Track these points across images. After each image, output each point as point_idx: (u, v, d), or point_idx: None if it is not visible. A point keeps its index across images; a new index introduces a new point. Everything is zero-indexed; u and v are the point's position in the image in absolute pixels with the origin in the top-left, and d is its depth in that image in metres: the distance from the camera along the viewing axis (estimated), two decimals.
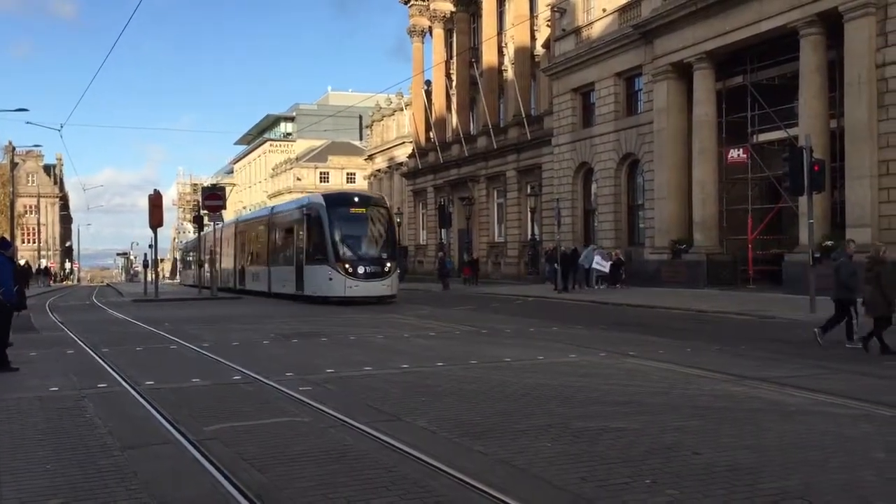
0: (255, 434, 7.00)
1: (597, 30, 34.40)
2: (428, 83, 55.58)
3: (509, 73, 44.12)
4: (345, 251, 25.11)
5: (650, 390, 8.96)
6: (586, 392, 8.87)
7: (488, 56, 46.20)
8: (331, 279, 24.91)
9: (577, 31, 35.65)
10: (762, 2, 24.75)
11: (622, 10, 32.76)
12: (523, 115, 41.19)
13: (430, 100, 54.19)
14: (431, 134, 53.24)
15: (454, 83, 50.76)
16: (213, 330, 17.27)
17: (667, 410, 7.76)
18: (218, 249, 39.22)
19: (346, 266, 24.79)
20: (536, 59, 42.42)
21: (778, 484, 5.29)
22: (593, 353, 12.19)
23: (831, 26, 22.91)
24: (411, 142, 57.68)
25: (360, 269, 24.89)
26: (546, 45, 40.27)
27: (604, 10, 34.03)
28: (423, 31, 56.14)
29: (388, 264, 25.78)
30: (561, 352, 12.52)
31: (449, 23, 52.44)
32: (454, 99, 50.43)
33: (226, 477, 5.61)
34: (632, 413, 7.62)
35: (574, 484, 5.37)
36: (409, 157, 57.53)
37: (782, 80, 25.69)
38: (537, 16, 42.13)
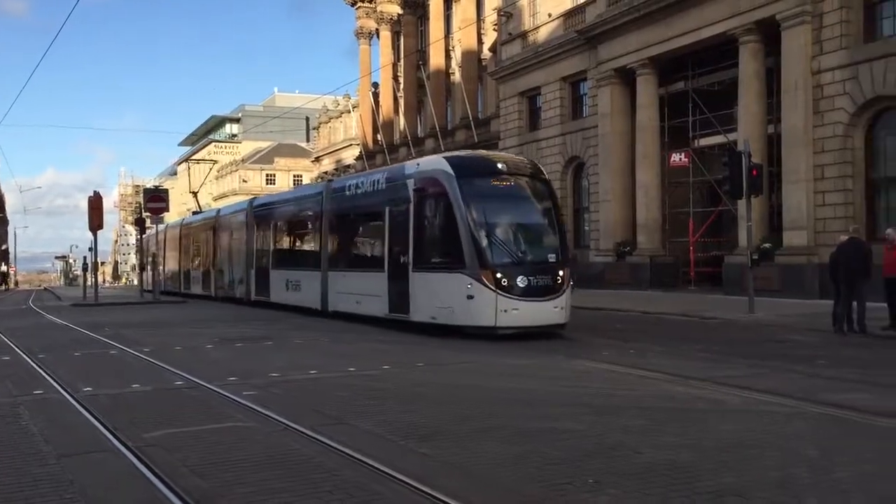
0: (197, 440, 6.88)
1: (543, 34, 34.73)
2: (375, 85, 55.45)
3: (457, 76, 44.26)
4: (495, 251, 14.55)
5: (595, 392, 9.07)
6: (533, 394, 8.94)
7: (436, 59, 46.30)
8: (470, 297, 14.32)
9: (523, 35, 35.93)
10: (703, 9, 25.28)
11: (567, 16, 33.13)
12: (470, 118, 41.36)
13: (378, 102, 54.07)
14: (379, 136, 53.11)
15: (401, 86, 50.73)
16: (156, 334, 16.94)
17: (611, 411, 7.87)
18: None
19: (498, 276, 14.16)
20: (483, 63, 42.65)
21: (715, 482, 5.40)
22: (537, 356, 12.26)
23: (769, 34, 23.50)
24: (359, 144, 57.46)
25: (521, 281, 14.29)
26: (493, 48, 40.50)
27: (549, 15, 34.37)
28: (370, 33, 56.01)
29: (560, 272, 14.87)
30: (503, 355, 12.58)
31: (396, 25, 52.41)
32: (401, 101, 50.39)
33: (165, 484, 5.51)
34: (578, 414, 7.70)
35: (519, 485, 5.40)
36: (357, 159, 57.29)
37: (722, 85, 26.26)
38: (484, 20, 42.39)
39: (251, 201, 29.16)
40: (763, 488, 5.25)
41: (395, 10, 51.59)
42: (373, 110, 54.05)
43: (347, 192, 19.58)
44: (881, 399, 8.43)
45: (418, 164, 16.61)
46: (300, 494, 5.23)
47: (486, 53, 42.46)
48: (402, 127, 50.62)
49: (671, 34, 26.58)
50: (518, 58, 35.74)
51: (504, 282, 14.12)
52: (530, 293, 14.28)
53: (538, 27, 35.14)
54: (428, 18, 47.64)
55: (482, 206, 14.79)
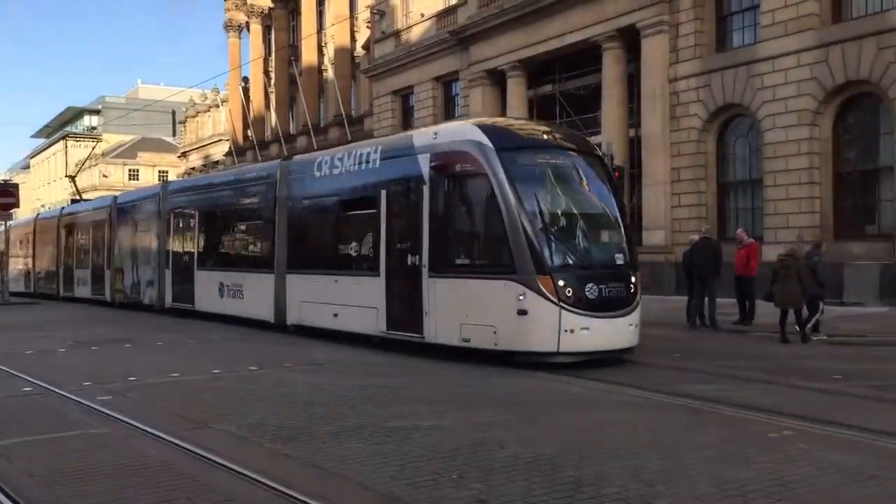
0: (45, 449, 6.50)
1: (415, 34, 34.89)
2: (246, 80, 54.12)
3: (329, 73, 43.80)
4: (555, 251, 10.85)
5: (464, 386, 9.20)
6: (401, 391, 8.96)
7: (308, 55, 45.66)
8: (522, 313, 10.51)
9: (396, 34, 35.98)
10: (569, 15, 26.07)
11: (440, 16, 33.43)
12: (343, 116, 41.02)
13: (248, 97, 52.79)
14: (249, 132, 51.83)
15: (273, 81, 49.70)
16: (2, 338, 15.87)
17: (479, 406, 7.99)
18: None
19: (561, 284, 10.51)
20: (357, 60, 42.41)
21: (574, 473, 5.59)
22: (398, 354, 12.19)
23: (631, 41, 24.51)
24: (228, 139, 55.91)
25: (591, 291, 10.68)
26: (366, 46, 40.35)
27: (422, 15, 34.57)
28: (240, 26, 54.61)
29: (633, 279, 11.40)
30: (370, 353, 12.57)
31: (267, 19, 51.34)
32: (273, 97, 49.38)
33: (8, 496, 5.17)
34: (446, 410, 7.78)
35: (383, 483, 5.40)
36: (226, 155, 55.70)
37: (588, 90, 27.17)
38: (357, 16, 42.15)
39: (165, 185, 24.35)
40: (618, 477, 5.47)
41: (266, 2, 50.53)
42: (243, 105, 52.69)
43: (318, 173, 14.89)
44: (727, 389, 8.95)
45: (435, 134, 12.15)
46: (156, 503, 5.03)
47: (359, 51, 42.24)
48: (273, 123, 49.58)
49: (539, 38, 27.26)
50: (391, 56, 35.76)
51: (569, 292, 10.39)
52: (602, 307, 10.61)
53: (411, 26, 35.27)
54: (300, 13, 46.90)
55: (533, 190, 10.94)
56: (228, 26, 55.08)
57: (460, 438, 6.59)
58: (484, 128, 11.59)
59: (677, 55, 23.10)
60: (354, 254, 13.60)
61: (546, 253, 10.61)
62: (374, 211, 12.90)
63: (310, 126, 43.78)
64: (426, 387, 9.32)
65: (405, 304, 12.10)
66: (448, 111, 33.81)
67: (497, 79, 30.00)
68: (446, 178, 11.57)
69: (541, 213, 10.91)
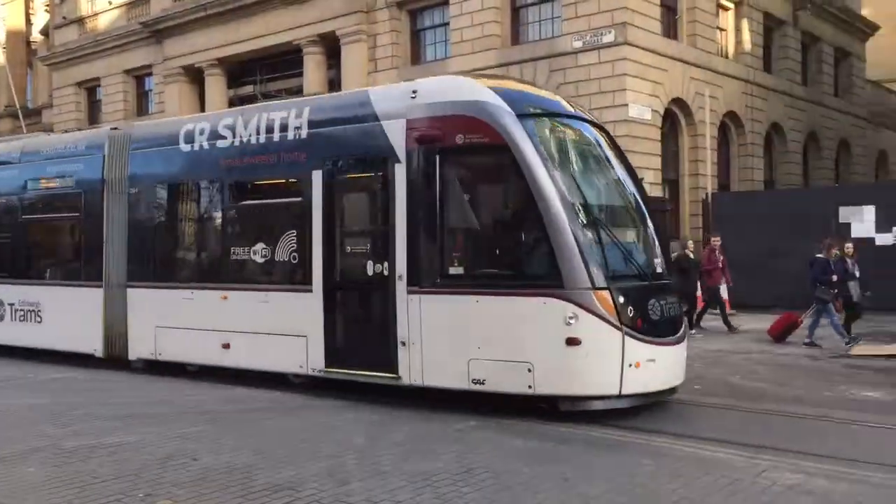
0: None
1: (103, 22, 32.44)
2: None
3: (1, 59, 39.25)
4: (609, 255, 7.79)
5: (153, 400, 8.73)
6: (84, 408, 8.27)
7: None
8: (573, 343, 7.36)
9: (80, 20, 33.17)
10: (270, 17, 25.83)
11: (130, 5, 31.39)
12: (18, 107, 36.91)
13: None
14: None
15: None
16: None
17: (170, 420, 7.63)
18: None
19: (622, 301, 7.52)
20: (34, 46, 38.43)
21: (270, 478, 5.55)
22: (82, 370, 11.08)
23: (332, 48, 24.90)
24: None
25: (653, 310, 7.87)
26: (45, 31, 36.72)
27: (110, 3, 32.26)
28: None
29: (675, 293, 8.98)
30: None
31: None
32: None
33: None
34: (132, 426, 7.33)
35: None
36: None
37: (290, 93, 27.06)
38: None
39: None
40: (315, 479, 5.55)
41: None
42: None
43: (187, 146, 10.50)
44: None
45: (414, 93, 8.54)
46: None
47: (36, 36, 38.32)
48: None
49: (240, 38, 26.68)
50: (74, 45, 32.89)
51: (630, 311, 7.57)
52: (665, 330, 7.99)
53: (97, 14, 32.74)
54: None
55: (570, 173, 8.14)
56: None
57: (150, 453, 6.25)
58: (494, 87, 8.43)
59: (376, 65, 23.89)
60: (262, 259, 9.68)
61: (600, 258, 7.60)
62: (298, 200, 9.32)
63: None
64: (108, 403, 8.70)
65: (362, 331, 8.80)
66: (141, 107, 31.94)
67: (196, 76, 28.91)
68: (437, 154, 8.15)
69: (585, 204, 7.91)
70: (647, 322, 7.66)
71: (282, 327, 9.20)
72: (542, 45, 20.92)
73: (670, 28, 21.70)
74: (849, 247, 13.48)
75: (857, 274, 13.00)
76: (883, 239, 16.81)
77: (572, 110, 8.95)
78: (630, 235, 8.53)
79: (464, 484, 5.43)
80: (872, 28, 31.29)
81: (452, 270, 8.06)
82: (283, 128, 9.47)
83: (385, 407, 8.08)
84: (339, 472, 5.73)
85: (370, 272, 8.52)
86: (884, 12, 34.15)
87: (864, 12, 31.79)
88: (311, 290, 8.93)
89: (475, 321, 7.77)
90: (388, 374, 8.27)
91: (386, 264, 8.36)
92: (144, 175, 11.03)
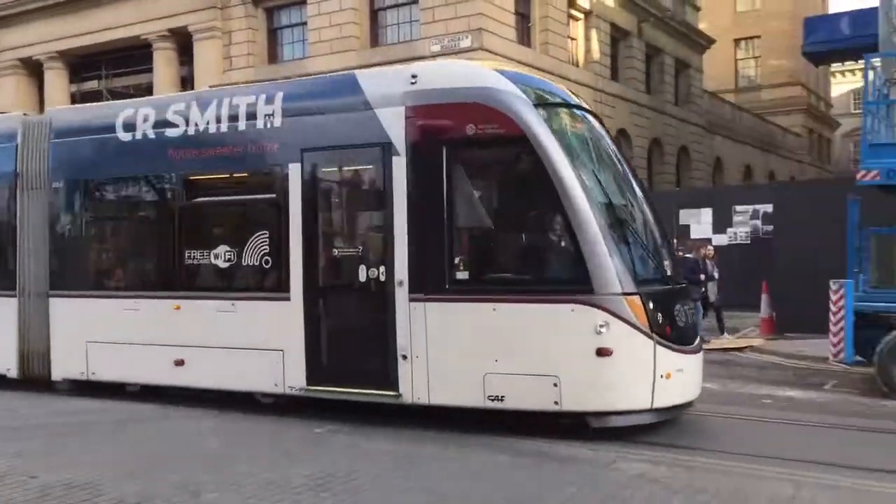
0: None
1: None
2: None
3: None
4: (637, 258, 7.38)
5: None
6: None
7: None
8: (604, 353, 6.79)
9: None
10: (116, 8, 24.68)
11: None
12: None
13: None
14: None
15: None
16: None
17: (4, 438, 7.16)
18: None
19: (652, 307, 7.00)
20: None
21: (117, 493, 5.32)
22: None
23: (184, 44, 24.07)
24: None
25: (680, 315, 7.48)
26: None
27: None
28: None
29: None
30: None
31: None
32: None
33: None
34: None
35: None
36: None
37: (139, 89, 25.91)
38: None
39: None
40: (165, 492, 5.35)
41: None
42: None
43: (126, 135, 9.07)
44: None
45: (414, 77, 7.61)
46: None
47: None
48: None
49: (83, 30, 25.39)
50: None
51: (660, 318, 7.08)
52: (689, 338, 7.60)
53: None
54: None
55: (591, 169, 7.58)
56: None
57: None
58: (506, 72, 7.73)
59: (231, 62, 23.32)
60: (226, 264, 8.46)
61: (628, 261, 7.08)
62: (270, 196, 8.29)
63: None
64: None
65: (352, 344, 7.88)
66: None
67: (35, 69, 27.30)
68: (443, 146, 7.35)
69: (609, 202, 7.38)
70: (675, 329, 7.22)
71: (251, 340, 8.04)
72: (400, 48, 21.04)
73: (524, 36, 22.38)
74: (709, 249, 14.33)
75: (716, 275, 13.83)
76: (718, 239, 18.02)
77: (577, 100, 8.34)
78: (649, 236, 7.96)
79: (324, 489, 5.40)
80: (709, 41, 33.41)
81: (463, 275, 7.24)
82: (251, 115, 8.29)
83: (240, 418, 7.89)
84: (192, 483, 5.55)
85: (362, 277, 7.57)
86: (718, 27, 36.71)
87: (701, 26, 33.93)
88: (288, 298, 7.86)
89: (492, 331, 7.04)
90: (385, 392, 7.39)
91: (382, 268, 7.47)
92: (72, 168, 9.45)
